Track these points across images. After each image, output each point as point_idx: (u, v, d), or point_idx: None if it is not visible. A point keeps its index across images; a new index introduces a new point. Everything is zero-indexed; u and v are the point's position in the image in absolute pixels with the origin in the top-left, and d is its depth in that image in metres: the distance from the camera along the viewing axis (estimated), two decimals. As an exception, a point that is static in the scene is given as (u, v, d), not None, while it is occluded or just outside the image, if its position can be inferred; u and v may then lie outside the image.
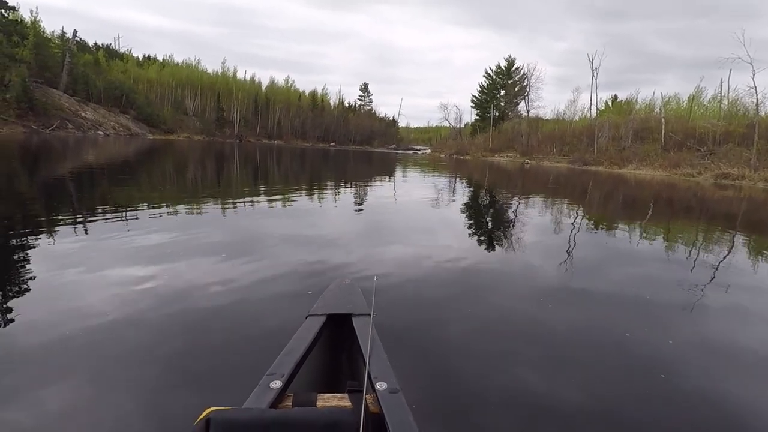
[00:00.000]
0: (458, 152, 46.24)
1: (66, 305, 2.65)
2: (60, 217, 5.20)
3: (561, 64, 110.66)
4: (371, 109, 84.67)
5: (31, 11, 40.88)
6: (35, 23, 40.16)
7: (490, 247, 5.39)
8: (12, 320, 2.41)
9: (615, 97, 48.69)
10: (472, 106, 55.87)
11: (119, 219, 5.24)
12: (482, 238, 5.98)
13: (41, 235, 4.22)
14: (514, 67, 51.18)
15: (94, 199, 7.08)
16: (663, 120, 31.11)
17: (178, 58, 71.48)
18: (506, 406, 1.93)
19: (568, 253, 5.03)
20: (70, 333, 2.28)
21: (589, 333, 2.81)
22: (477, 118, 55.16)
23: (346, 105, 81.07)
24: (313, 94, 75.10)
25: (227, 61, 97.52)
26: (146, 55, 61.77)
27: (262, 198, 8.38)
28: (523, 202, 10.44)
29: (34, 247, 3.80)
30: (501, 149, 42.89)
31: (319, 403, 1.21)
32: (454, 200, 10.21)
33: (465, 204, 9.54)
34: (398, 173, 18.97)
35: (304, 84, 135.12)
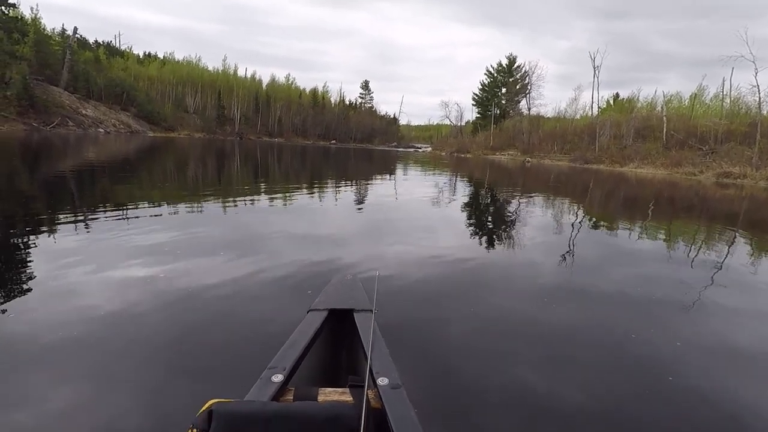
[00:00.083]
0: (459, 150, 46.17)
1: (66, 302, 2.65)
2: (60, 215, 5.20)
3: (563, 62, 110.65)
4: (372, 107, 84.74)
5: (32, 8, 41.34)
6: (36, 20, 40.22)
7: (491, 245, 5.38)
8: (12, 318, 2.41)
9: (617, 96, 48.57)
10: (473, 104, 55.90)
11: (120, 217, 5.24)
12: (483, 236, 5.97)
13: (42, 233, 4.23)
14: (515, 65, 51.17)
15: (94, 197, 7.08)
16: (665, 118, 31.02)
17: (179, 56, 71.99)
18: (507, 405, 1.93)
19: (569, 252, 5.02)
20: (71, 329, 2.28)
21: (590, 333, 2.80)
22: (478, 116, 55.08)
23: (347, 103, 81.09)
24: (314, 91, 75.15)
25: (228, 59, 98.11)
26: (147, 53, 61.93)
27: (263, 196, 8.37)
28: (524, 200, 10.41)
29: (34, 245, 3.80)
30: (502, 147, 42.81)
31: (321, 398, 1.21)
32: (454, 198, 10.19)
33: (466, 202, 9.51)
34: (399, 171, 18.94)
35: (305, 81, 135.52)
